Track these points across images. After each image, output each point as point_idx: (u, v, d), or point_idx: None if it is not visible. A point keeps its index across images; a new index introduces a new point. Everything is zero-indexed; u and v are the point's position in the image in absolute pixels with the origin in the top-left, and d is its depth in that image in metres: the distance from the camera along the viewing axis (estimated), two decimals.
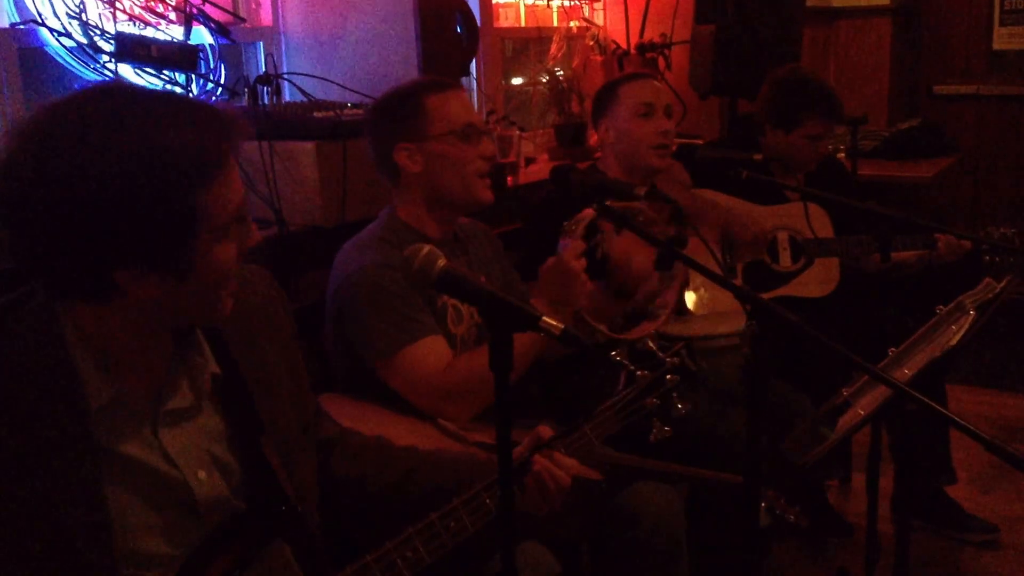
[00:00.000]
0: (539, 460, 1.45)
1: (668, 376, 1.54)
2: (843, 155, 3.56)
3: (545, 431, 1.51)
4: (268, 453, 1.27)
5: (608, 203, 1.81)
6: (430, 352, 1.85)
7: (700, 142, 3.43)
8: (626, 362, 1.48)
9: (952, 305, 1.84)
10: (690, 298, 2.60)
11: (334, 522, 1.42)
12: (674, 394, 1.53)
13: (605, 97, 2.55)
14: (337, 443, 1.51)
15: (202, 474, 1.22)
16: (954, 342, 1.79)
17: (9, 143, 1.05)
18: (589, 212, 1.88)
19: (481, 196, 1.99)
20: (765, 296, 1.73)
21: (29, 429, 1.09)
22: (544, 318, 1.20)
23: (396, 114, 1.98)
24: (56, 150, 1.03)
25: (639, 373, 1.53)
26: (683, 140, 2.75)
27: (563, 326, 1.20)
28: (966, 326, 1.82)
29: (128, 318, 1.14)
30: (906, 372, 1.78)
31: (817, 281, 2.77)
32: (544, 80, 3.56)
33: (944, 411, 1.31)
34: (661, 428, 1.52)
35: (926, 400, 1.30)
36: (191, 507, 1.21)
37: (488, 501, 1.37)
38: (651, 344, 1.60)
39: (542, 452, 1.46)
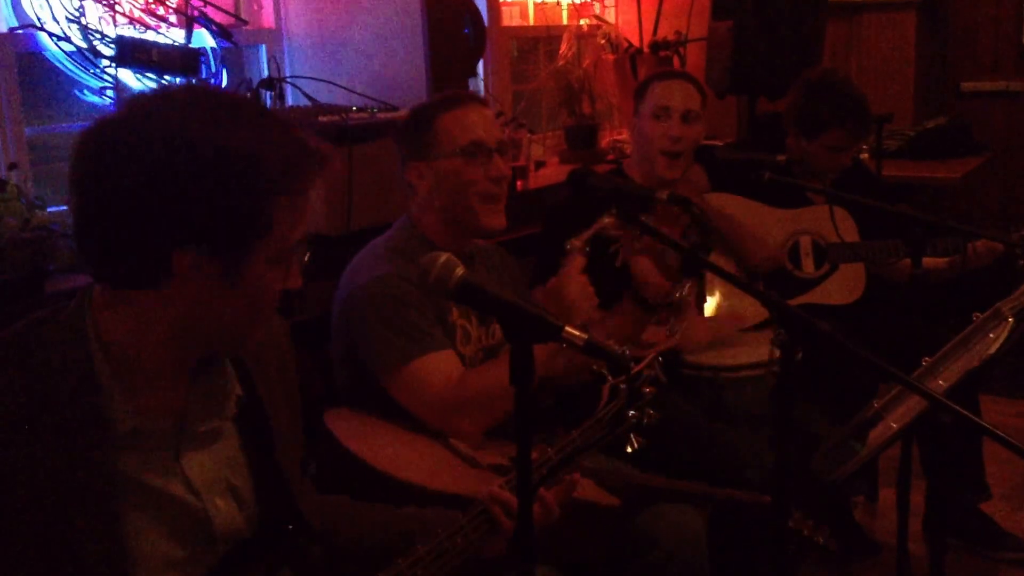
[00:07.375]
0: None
1: (647, 389, 1.58)
2: (867, 155, 3.45)
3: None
4: (284, 473, 1.27)
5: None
6: (441, 365, 1.79)
7: (718, 143, 3.35)
8: (608, 375, 1.47)
9: (989, 312, 1.77)
10: (709, 305, 2.52)
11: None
12: (647, 406, 1.57)
13: (639, 92, 2.51)
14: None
15: (220, 503, 1.20)
16: (992, 351, 1.73)
17: (122, 111, 1.10)
18: (606, 221, 1.81)
19: (486, 223, 1.87)
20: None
21: (52, 454, 1.06)
22: (567, 328, 1.15)
23: (408, 132, 1.93)
24: (159, 121, 1.07)
25: (622, 387, 1.56)
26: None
27: (587, 336, 1.15)
28: (1005, 334, 1.75)
29: (160, 326, 1.11)
30: (941, 383, 1.72)
31: (842, 288, 2.68)
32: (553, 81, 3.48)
33: (987, 425, 1.24)
34: (637, 439, 1.56)
35: (968, 414, 1.24)
36: (209, 538, 1.18)
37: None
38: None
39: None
